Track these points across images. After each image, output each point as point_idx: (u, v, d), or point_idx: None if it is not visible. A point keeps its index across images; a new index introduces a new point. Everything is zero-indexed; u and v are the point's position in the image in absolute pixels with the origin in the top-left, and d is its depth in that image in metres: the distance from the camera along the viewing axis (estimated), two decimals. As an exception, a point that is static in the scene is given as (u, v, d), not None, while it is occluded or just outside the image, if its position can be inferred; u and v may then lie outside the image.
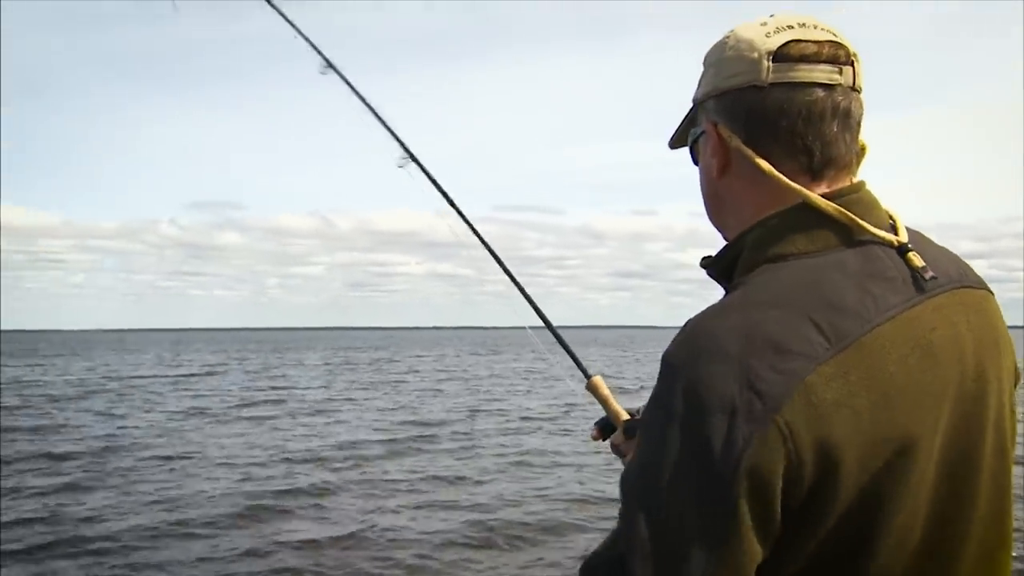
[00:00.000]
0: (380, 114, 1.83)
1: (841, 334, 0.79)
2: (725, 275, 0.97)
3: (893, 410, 0.80)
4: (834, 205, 0.88)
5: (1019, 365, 1.01)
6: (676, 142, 1.12)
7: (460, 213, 1.81)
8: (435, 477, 10.45)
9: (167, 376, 31.43)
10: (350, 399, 21.72)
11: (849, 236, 0.88)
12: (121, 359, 49.01)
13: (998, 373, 0.92)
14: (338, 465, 11.38)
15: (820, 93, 0.90)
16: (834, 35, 0.92)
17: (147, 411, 18.41)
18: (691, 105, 1.05)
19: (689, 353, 0.82)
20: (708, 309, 0.87)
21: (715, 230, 1.05)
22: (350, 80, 1.85)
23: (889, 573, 0.82)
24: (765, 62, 0.90)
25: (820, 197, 0.89)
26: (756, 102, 0.91)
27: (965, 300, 0.91)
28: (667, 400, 0.81)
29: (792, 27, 0.91)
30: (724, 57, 0.95)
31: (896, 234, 0.90)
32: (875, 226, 0.89)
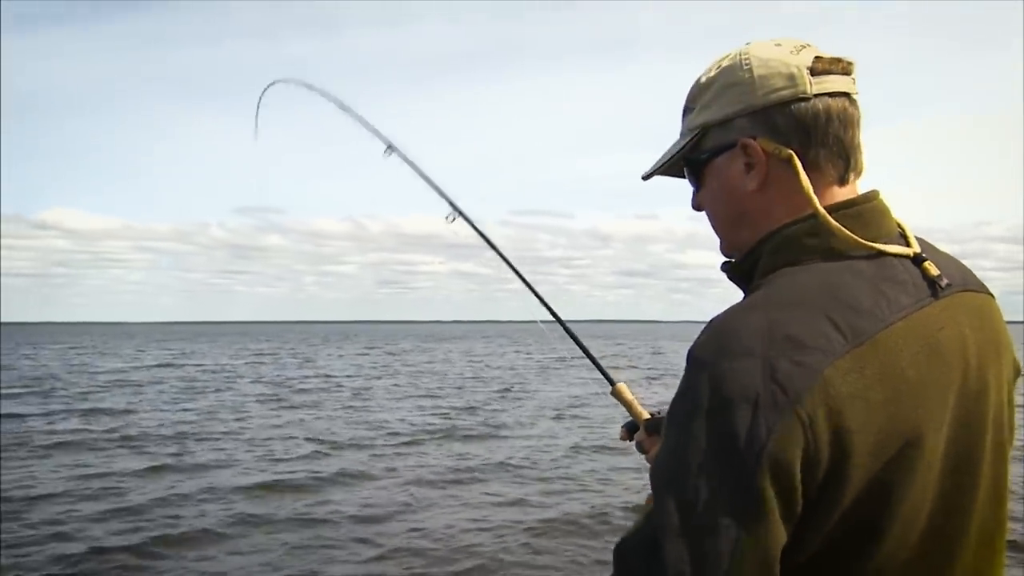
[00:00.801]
0: (435, 182, 1.87)
1: (857, 331, 0.79)
2: (745, 279, 0.97)
3: (904, 403, 0.80)
4: (832, 222, 0.87)
5: (1018, 358, 1.01)
6: (660, 171, 1.08)
7: (507, 261, 1.83)
8: (492, 464, 9.99)
9: (228, 364, 31.30)
10: (396, 385, 21.36)
11: (859, 247, 0.87)
12: (182, 348, 48.02)
13: (998, 371, 0.92)
14: (393, 449, 11.15)
15: (848, 102, 0.92)
16: (838, 54, 0.92)
17: (214, 396, 18.08)
18: (691, 130, 1.00)
19: (715, 349, 0.81)
20: (732, 308, 0.87)
21: (719, 244, 1.04)
22: (410, 159, 1.90)
23: (896, 557, 0.82)
24: (807, 75, 0.89)
25: (825, 211, 0.88)
26: (806, 112, 0.90)
27: (969, 302, 0.91)
28: (695, 392, 0.81)
29: (807, 46, 0.92)
30: (754, 76, 0.92)
31: (907, 242, 0.90)
32: (886, 234, 0.90)
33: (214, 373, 26.74)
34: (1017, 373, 1.00)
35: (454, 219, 1.81)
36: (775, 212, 0.93)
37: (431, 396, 18.64)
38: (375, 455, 10.65)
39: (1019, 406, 0.99)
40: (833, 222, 0.87)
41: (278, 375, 25.76)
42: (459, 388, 20.95)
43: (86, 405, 16.56)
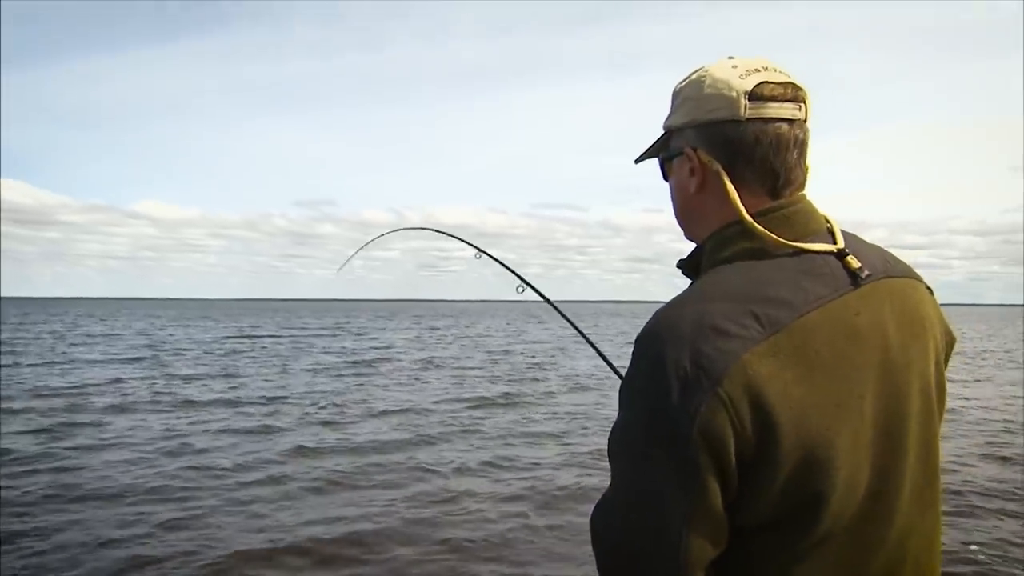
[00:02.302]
0: (521, 273, 1.92)
1: (774, 320, 0.79)
2: (693, 273, 0.97)
3: (819, 381, 0.80)
4: (754, 224, 0.87)
5: (952, 332, 1.01)
6: (644, 158, 1.08)
7: (564, 316, 1.88)
8: (542, 432, 9.27)
9: (295, 336, 31.03)
10: (451, 357, 20.90)
11: (781, 247, 0.87)
12: (255, 321, 47.64)
13: (922, 346, 0.91)
14: (460, 415, 10.59)
15: (785, 127, 0.89)
16: (790, 78, 0.90)
17: (285, 368, 17.89)
18: (663, 130, 1.00)
19: (654, 337, 0.82)
20: (671, 301, 0.87)
21: (682, 233, 1.04)
22: (502, 260, 2.00)
23: (842, 517, 0.82)
24: (743, 100, 0.88)
25: (750, 216, 0.88)
26: (735, 133, 0.89)
27: (889, 288, 0.90)
28: (636, 375, 0.82)
29: (759, 70, 0.89)
30: (704, 94, 0.91)
31: (834, 238, 0.89)
32: (813, 233, 0.89)
33: (298, 344, 26.52)
34: (950, 344, 1.00)
35: (523, 289, 1.85)
36: (713, 214, 0.93)
37: (490, 365, 18.05)
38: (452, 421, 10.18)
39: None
40: (757, 226, 0.87)
41: (348, 347, 25.34)
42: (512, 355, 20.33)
43: (204, 370, 16.47)
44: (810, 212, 0.91)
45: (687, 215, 1.00)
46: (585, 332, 1.87)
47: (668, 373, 0.78)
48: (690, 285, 0.92)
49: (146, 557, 4.67)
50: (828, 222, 0.92)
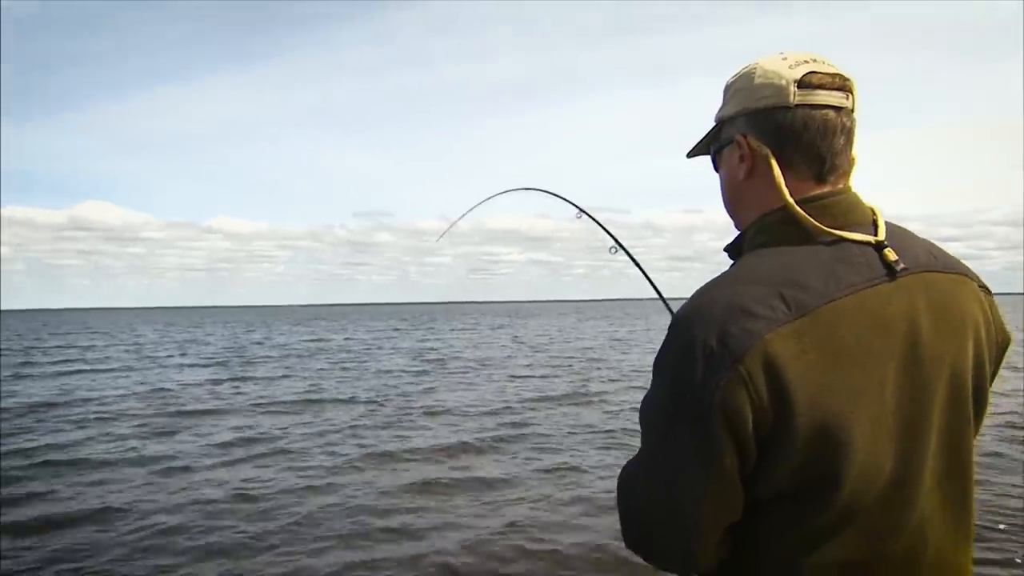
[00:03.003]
0: (610, 230, 1.82)
1: (801, 305, 0.78)
2: (737, 256, 0.95)
3: (840, 365, 0.78)
4: (800, 211, 0.85)
5: (1008, 333, 0.95)
6: (696, 152, 1.06)
7: (658, 294, 1.76)
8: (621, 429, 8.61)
9: (364, 339, 31.24)
10: (508, 357, 20.24)
11: (822, 235, 0.84)
12: (325, 328, 48.59)
13: (960, 341, 0.86)
14: (527, 414, 9.94)
15: (832, 114, 0.87)
16: (838, 69, 0.88)
17: (364, 370, 17.73)
18: (714, 123, 0.99)
19: (688, 316, 0.82)
20: (709, 282, 0.86)
21: (731, 220, 1.01)
22: (599, 220, 1.88)
23: (862, 500, 0.80)
24: (792, 87, 0.86)
25: (796, 203, 0.86)
26: (785, 119, 0.87)
27: (929, 282, 0.86)
28: (668, 350, 0.83)
29: (808, 61, 0.88)
30: (754, 84, 0.90)
31: (876, 230, 0.86)
32: (855, 223, 0.86)
33: (369, 347, 26.58)
34: (1003, 344, 0.94)
35: (616, 251, 1.75)
36: (760, 199, 0.91)
37: (553, 366, 17.63)
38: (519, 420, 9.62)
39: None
40: (800, 212, 0.85)
41: (413, 346, 25.25)
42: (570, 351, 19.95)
43: (288, 370, 16.40)
44: (854, 203, 0.88)
45: (736, 202, 0.97)
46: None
47: (696, 350, 0.78)
48: (728, 268, 0.90)
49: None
50: (874, 214, 0.89)
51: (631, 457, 0.89)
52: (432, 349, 24.17)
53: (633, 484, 0.87)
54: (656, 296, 1.71)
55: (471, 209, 2.48)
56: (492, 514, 5.26)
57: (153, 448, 7.81)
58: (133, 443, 8.08)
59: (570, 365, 17.04)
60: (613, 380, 13.74)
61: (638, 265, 1.73)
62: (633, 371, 15.30)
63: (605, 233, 1.77)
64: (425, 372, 16.20)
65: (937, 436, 0.84)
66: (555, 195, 1.97)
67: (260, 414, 10.20)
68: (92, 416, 10.07)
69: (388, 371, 16.52)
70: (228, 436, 8.43)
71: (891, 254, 0.83)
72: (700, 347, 0.77)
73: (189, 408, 10.82)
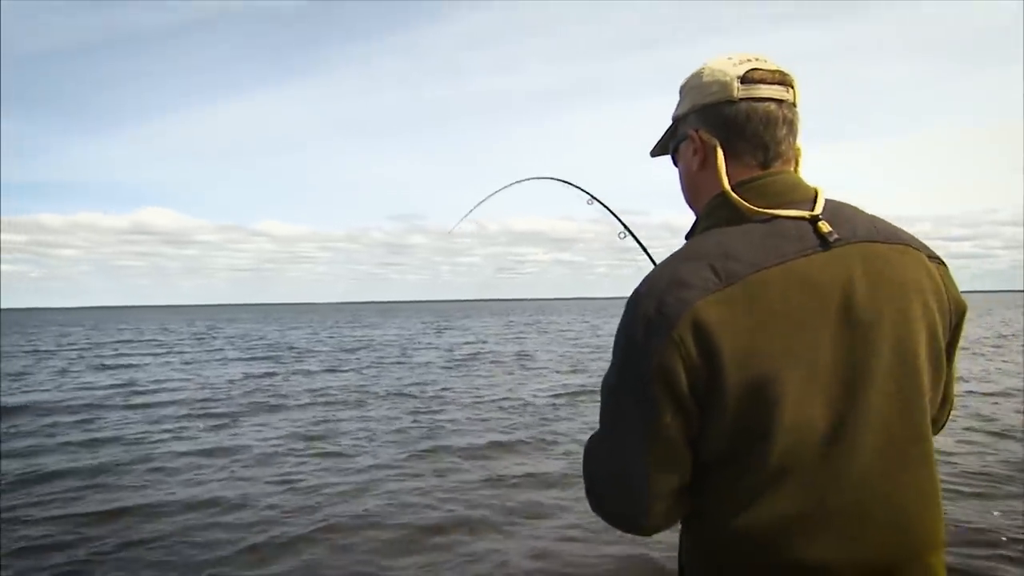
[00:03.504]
0: (613, 210, 1.73)
1: (730, 274, 0.80)
2: None
3: (770, 328, 0.79)
4: (732, 194, 0.88)
5: (962, 301, 0.92)
6: (658, 151, 1.08)
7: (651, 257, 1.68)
8: None
9: (400, 335, 31.21)
10: (539, 350, 19.84)
11: (756, 214, 0.86)
12: (366, 323, 49.21)
13: (901, 306, 0.85)
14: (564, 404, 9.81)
15: (774, 106, 0.89)
16: (779, 67, 0.90)
17: (404, 362, 17.62)
18: (671, 122, 1.02)
19: (637, 293, 0.85)
20: (661, 261, 0.88)
21: (690, 211, 1.02)
22: (611, 208, 1.79)
23: (796, 456, 0.80)
24: (736, 83, 0.89)
25: (732, 190, 0.88)
26: (730, 111, 0.90)
27: (866, 251, 0.85)
28: (623, 323, 0.85)
29: (750, 60, 0.90)
30: (702, 82, 0.93)
31: (814, 207, 0.86)
32: (791, 202, 0.87)
33: (411, 343, 26.45)
34: (958, 310, 0.92)
35: (624, 236, 1.69)
36: (710, 187, 0.93)
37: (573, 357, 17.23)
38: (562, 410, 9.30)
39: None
40: (732, 195, 0.87)
41: (452, 343, 25.01)
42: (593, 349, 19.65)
43: (331, 364, 16.28)
44: (792, 183, 0.90)
45: (692, 192, 0.99)
46: None
47: (638, 323, 0.82)
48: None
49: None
50: (814, 192, 0.90)
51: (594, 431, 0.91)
52: (470, 343, 23.94)
53: (592, 454, 0.91)
54: None
55: (487, 198, 2.38)
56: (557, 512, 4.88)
57: (209, 439, 7.65)
58: (188, 434, 7.96)
59: (600, 357, 16.49)
60: None
61: (644, 249, 1.68)
62: None
63: (615, 220, 1.74)
64: (464, 365, 15.96)
65: (884, 399, 0.83)
66: (567, 183, 1.96)
67: (315, 406, 10.01)
68: (152, 406, 10.08)
69: (428, 363, 16.39)
70: (285, 428, 8.24)
71: (824, 226, 0.84)
72: (641, 319, 0.81)
73: (246, 400, 10.70)
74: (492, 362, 16.63)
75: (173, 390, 12.03)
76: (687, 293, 0.79)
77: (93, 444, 7.46)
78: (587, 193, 1.83)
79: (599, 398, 0.89)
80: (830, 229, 0.84)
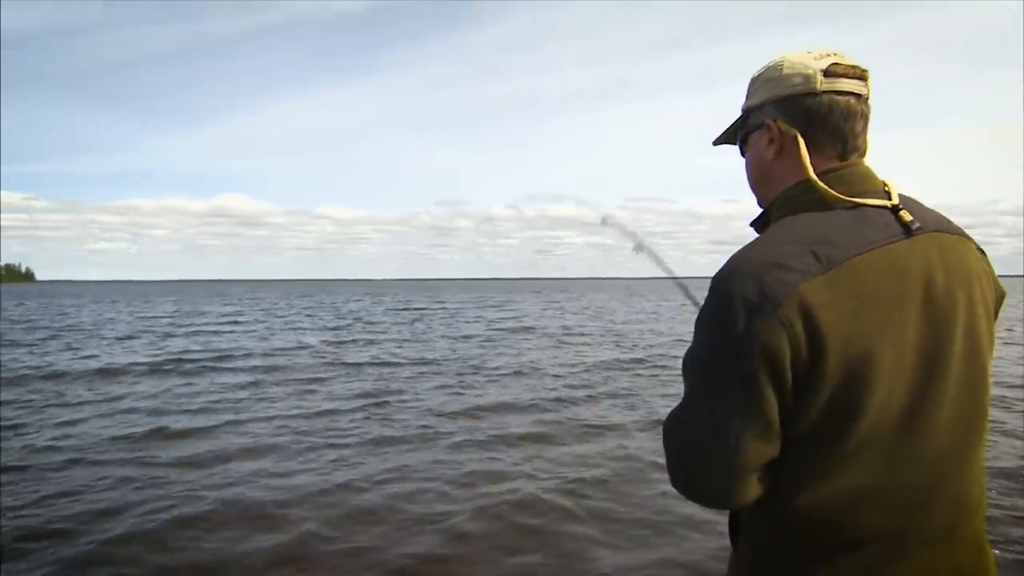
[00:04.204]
0: (640, 229, 1.55)
1: (831, 258, 0.77)
2: (763, 228, 0.91)
3: (865, 311, 0.77)
4: (819, 183, 0.84)
5: (1002, 288, 0.92)
6: (722, 140, 1.03)
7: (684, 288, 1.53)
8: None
9: (453, 308, 31.02)
10: (582, 325, 19.45)
11: (843, 201, 0.83)
12: (420, 298, 48.88)
13: (968, 293, 0.84)
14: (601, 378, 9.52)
15: (853, 100, 0.86)
16: (857, 63, 0.87)
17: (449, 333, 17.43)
18: (741, 113, 0.97)
19: (726, 274, 0.80)
20: (744, 245, 0.84)
21: (755, 199, 0.97)
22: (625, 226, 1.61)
23: (878, 430, 0.78)
24: (819, 76, 0.85)
25: (816, 177, 0.85)
26: (813, 103, 0.86)
27: (940, 241, 0.85)
28: (712, 305, 0.80)
29: (831, 54, 0.87)
30: (782, 74, 0.88)
31: (890, 197, 0.84)
32: (869, 191, 0.85)
33: (456, 315, 26.57)
34: (1000, 297, 0.92)
35: (638, 251, 1.57)
36: (786, 176, 0.89)
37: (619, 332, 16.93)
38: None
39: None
40: (819, 183, 0.85)
41: (495, 318, 24.91)
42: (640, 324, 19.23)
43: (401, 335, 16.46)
44: (866, 174, 0.87)
45: (762, 180, 0.95)
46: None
47: (736, 303, 0.77)
48: (759, 235, 0.87)
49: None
50: (886, 185, 0.87)
51: (674, 406, 0.88)
52: (514, 317, 23.80)
53: (680, 430, 0.85)
54: (701, 276, 1.54)
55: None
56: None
57: (290, 402, 7.67)
58: (271, 394, 8.11)
59: (628, 333, 16.35)
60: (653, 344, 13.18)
61: (660, 263, 1.54)
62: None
63: (629, 235, 1.60)
64: (509, 336, 15.89)
65: (957, 380, 0.82)
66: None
67: (384, 370, 10.06)
68: (234, 370, 10.13)
69: (475, 336, 16.36)
70: (358, 388, 8.42)
71: (907, 215, 0.83)
72: (740, 300, 0.76)
73: (322, 362, 10.90)
74: (541, 333, 16.54)
75: (250, 355, 12.21)
76: (790, 275, 0.75)
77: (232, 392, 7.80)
78: (602, 218, 1.70)
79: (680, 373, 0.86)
80: (912, 218, 0.82)
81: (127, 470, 4.85)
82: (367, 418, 6.69)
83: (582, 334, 16.76)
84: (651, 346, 13.60)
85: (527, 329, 18.52)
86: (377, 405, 7.35)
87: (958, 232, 0.89)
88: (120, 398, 7.84)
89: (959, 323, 0.83)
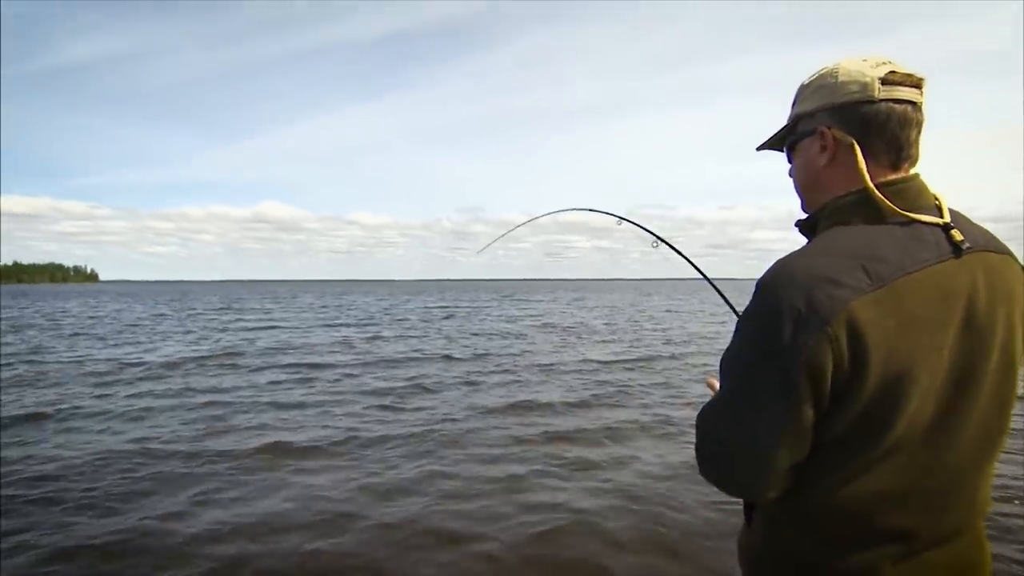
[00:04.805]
0: (652, 228, 1.56)
1: (881, 276, 0.74)
2: (810, 233, 0.88)
3: (910, 332, 0.74)
4: (878, 195, 0.79)
5: None
6: (767, 146, 0.97)
7: (705, 276, 1.52)
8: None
9: (474, 306, 30.87)
10: (596, 320, 19.10)
11: (897, 215, 0.79)
12: (445, 298, 48.60)
13: (1008, 310, 0.81)
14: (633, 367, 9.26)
15: (910, 108, 0.81)
16: (913, 71, 0.82)
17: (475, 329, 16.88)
18: (789, 120, 0.91)
19: (774, 280, 0.76)
20: (792, 252, 0.79)
21: (800, 203, 0.92)
22: (644, 224, 1.63)
23: (907, 438, 0.76)
24: (877, 84, 0.81)
25: (876, 189, 0.80)
26: (870, 111, 0.81)
27: (986, 260, 0.81)
28: (757, 309, 0.77)
29: (888, 62, 0.81)
30: (837, 81, 0.83)
31: (941, 214, 0.80)
32: (923, 207, 0.80)
33: (481, 312, 26.35)
34: None
35: (657, 246, 1.53)
36: (838, 183, 0.85)
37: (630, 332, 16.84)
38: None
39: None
40: (877, 194, 0.80)
41: (512, 314, 24.68)
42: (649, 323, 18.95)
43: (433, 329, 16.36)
44: (921, 189, 0.83)
45: (812, 186, 0.89)
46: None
47: (783, 311, 0.74)
48: (808, 242, 0.83)
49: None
50: (937, 200, 0.83)
51: (709, 400, 0.86)
52: (533, 316, 23.50)
53: (716, 424, 0.83)
54: (700, 277, 1.54)
55: (517, 227, 2.22)
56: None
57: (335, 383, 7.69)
58: (323, 386, 7.95)
59: (636, 330, 16.14)
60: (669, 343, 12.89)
61: (680, 254, 1.53)
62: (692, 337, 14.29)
63: (647, 232, 1.60)
64: (526, 333, 15.45)
65: (988, 397, 0.80)
66: (598, 211, 1.76)
67: (418, 364, 9.84)
68: (284, 364, 9.85)
69: (505, 331, 16.15)
70: (397, 383, 8.09)
71: (958, 234, 0.80)
72: (788, 309, 0.73)
73: (361, 356, 10.76)
74: (559, 331, 16.22)
75: (296, 350, 12.05)
76: (841, 292, 0.72)
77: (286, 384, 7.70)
78: (616, 216, 1.67)
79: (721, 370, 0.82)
80: (962, 238, 0.79)
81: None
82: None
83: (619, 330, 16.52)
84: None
85: (553, 324, 18.17)
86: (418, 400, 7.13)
87: (1004, 251, 0.85)
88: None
89: (996, 341, 0.80)
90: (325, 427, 5.70)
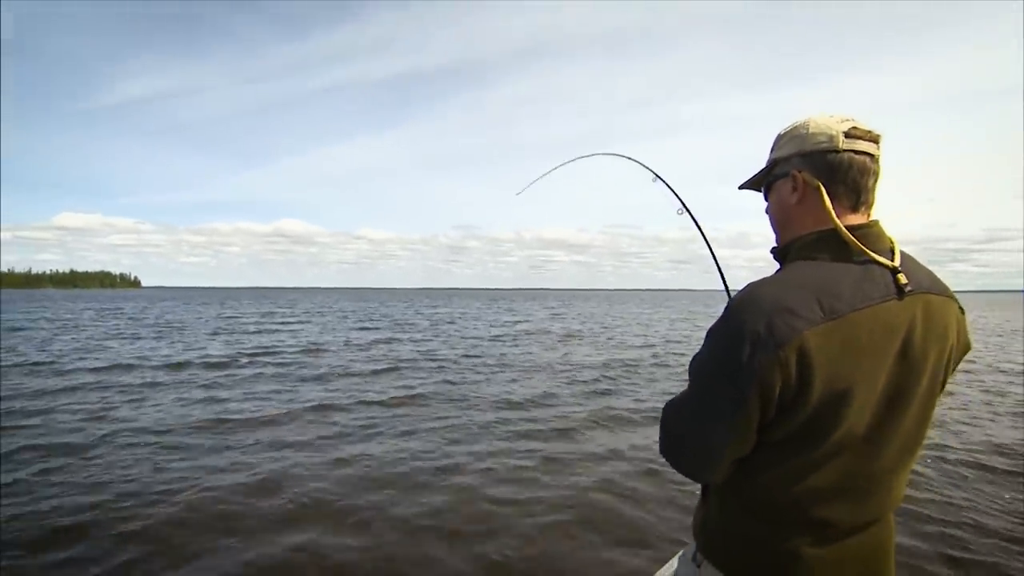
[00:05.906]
0: (679, 194, 1.47)
1: (834, 310, 0.77)
2: (780, 261, 0.90)
3: (853, 359, 0.78)
4: (850, 236, 0.82)
5: (970, 344, 0.92)
6: (748, 186, 0.99)
7: (712, 253, 1.44)
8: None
9: (468, 313, 30.21)
10: (586, 330, 18.68)
11: (857, 255, 0.82)
12: (442, 305, 47.56)
13: (941, 347, 0.85)
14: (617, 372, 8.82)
15: (868, 160, 0.85)
16: (871, 128, 0.85)
17: (468, 335, 15.92)
18: (767, 163, 0.94)
19: (741, 304, 0.79)
20: (760, 280, 0.82)
21: (775, 236, 0.95)
22: (673, 187, 1.51)
23: (844, 445, 0.80)
24: (841, 136, 0.85)
25: (845, 228, 0.83)
26: (835, 159, 0.85)
27: (926, 302, 0.84)
28: (724, 328, 0.80)
29: (849, 120, 0.86)
30: (808, 132, 0.87)
31: (893, 258, 0.83)
32: (880, 250, 0.83)
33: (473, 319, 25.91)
34: (965, 350, 0.92)
35: (682, 213, 1.44)
36: (805, 221, 0.88)
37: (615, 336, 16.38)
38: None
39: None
40: (848, 235, 0.83)
41: (505, 320, 24.03)
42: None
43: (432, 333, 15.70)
44: (880, 234, 0.86)
45: (783, 223, 0.93)
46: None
47: (745, 333, 0.77)
48: (778, 271, 0.87)
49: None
50: (892, 244, 0.86)
51: (677, 393, 0.89)
52: (519, 321, 22.93)
53: (676, 421, 0.87)
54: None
55: (554, 169, 2.02)
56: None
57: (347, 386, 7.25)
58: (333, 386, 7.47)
59: (622, 334, 15.91)
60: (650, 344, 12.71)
61: (700, 229, 1.43)
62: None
63: (675, 197, 1.50)
64: (518, 339, 14.57)
65: (912, 415, 0.84)
66: (631, 159, 1.69)
67: (427, 368, 9.08)
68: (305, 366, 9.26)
69: (499, 336, 15.72)
70: (414, 382, 7.67)
71: (903, 278, 0.82)
72: (750, 331, 0.76)
73: (370, 358, 10.11)
74: (549, 335, 15.69)
75: (315, 351, 11.51)
76: (796, 321, 0.75)
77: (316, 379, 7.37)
78: (652, 171, 1.58)
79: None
80: (907, 281, 0.82)
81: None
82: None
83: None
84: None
85: (535, 331, 17.97)
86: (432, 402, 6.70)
87: (945, 293, 0.88)
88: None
89: (927, 370, 0.85)
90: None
